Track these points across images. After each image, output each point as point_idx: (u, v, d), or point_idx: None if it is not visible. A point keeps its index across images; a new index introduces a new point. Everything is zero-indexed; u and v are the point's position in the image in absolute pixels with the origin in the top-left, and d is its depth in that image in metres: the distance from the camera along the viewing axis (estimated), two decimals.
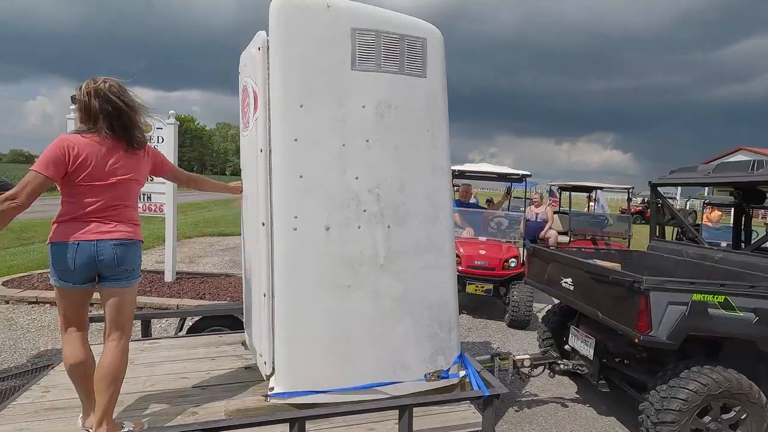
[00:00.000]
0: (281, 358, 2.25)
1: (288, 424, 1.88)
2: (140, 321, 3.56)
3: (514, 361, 3.27)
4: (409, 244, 2.35)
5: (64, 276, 1.98)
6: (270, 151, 2.23)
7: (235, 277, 6.34)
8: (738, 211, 4.21)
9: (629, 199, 7.44)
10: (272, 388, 2.25)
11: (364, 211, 2.27)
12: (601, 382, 3.31)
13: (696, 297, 2.56)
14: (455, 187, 8.01)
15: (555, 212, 8.98)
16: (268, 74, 2.21)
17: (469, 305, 6.12)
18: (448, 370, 2.43)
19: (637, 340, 2.56)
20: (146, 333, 3.45)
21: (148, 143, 2.24)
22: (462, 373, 2.48)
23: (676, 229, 9.14)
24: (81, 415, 2.15)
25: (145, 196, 5.67)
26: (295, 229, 2.20)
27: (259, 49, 2.29)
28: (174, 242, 5.92)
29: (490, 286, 5.37)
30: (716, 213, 9.88)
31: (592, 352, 3.27)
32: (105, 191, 1.99)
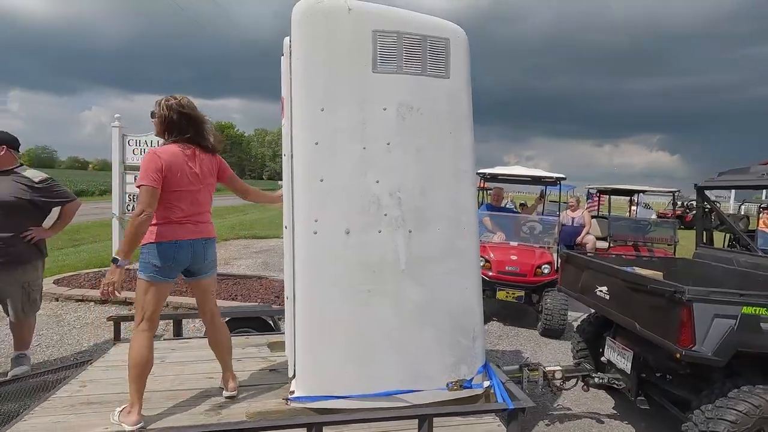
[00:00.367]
0: (302, 362, 2.26)
1: (305, 428, 1.87)
2: (172, 321, 3.69)
3: (544, 372, 3.13)
4: (431, 249, 2.30)
5: (162, 272, 2.20)
6: (292, 155, 2.25)
7: (267, 279, 6.47)
8: None
9: (674, 203, 7.02)
10: (293, 392, 2.26)
11: (385, 215, 2.24)
12: (640, 398, 3.10)
13: (746, 310, 2.35)
14: (488, 191, 7.84)
15: (593, 216, 8.60)
16: (291, 79, 2.24)
17: (500, 312, 5.94)
18: (472, 379, 2.35)
19: (678, 355, 2.38)
20: (177, 333, 3.56)
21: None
22: (486, 383, 2.39)
23: (727, 235, 8.53)
24: (120, 408, 2.22)
25: None
26: (316, 233, 2.20)
27: (283, 55, 2.33)
28: None
29: (522, 293, 5.19)
30: None
31: (629, 365, 3.08)
32: (192, 195, 2.28)
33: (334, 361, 2.23)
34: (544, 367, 3.17)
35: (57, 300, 5.39)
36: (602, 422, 3.32)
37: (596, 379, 3.29)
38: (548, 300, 5.03)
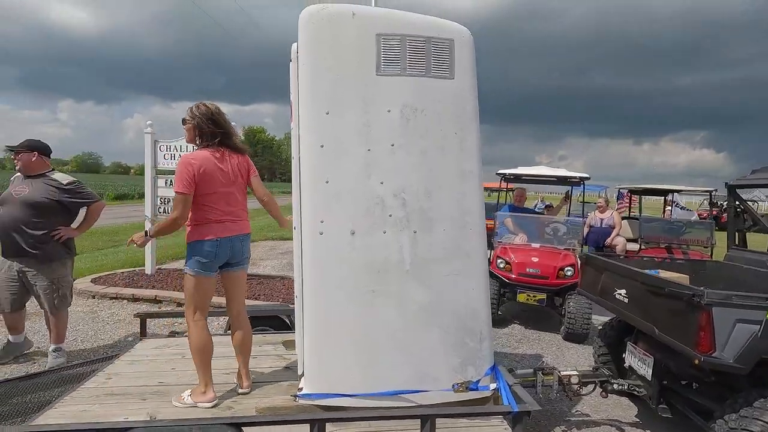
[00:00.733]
0: (309, 360, 2.31)
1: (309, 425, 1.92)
2: None
3: (559, 377, 3.06)
4: (436, 250, 2.30)
5: (206, 267, 2.41)
6: (299, 158, 2.31)
7: (290, 279, 6.60)
8: None
9: (711, 203, 6.67)
10: (301, 389, 2.31)
11: (390, 216, 2.27)
12: (661, 406, 2.98)
13: None
14: (512, 191, 7.70)
15: (623, 218, 8.29)
16: (298, 84, 2.30)
17: (521, 315, 5.83)
18: (479, 381, 2.34)
19: (697, 361, 2.27)
20: None
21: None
22: (494, 385, 2.37)
23: None
24: (189, 392, 2.46)
25: None
26: (322, 234, 2.25)
27: (291, 60, 2.39)
28: None
29: (543, 296, 5.07)
30: None
31: (650, 372, 2.96)
32: (227, 195, 2.45)
33: (340, 360, 2.27)
34: (560, 372, 3.09)
35: (93, 297, 5.71)
36: (622, 430, 3.21)
37: (615, 386, 3.18)
38: (571, 303, 4.89)
